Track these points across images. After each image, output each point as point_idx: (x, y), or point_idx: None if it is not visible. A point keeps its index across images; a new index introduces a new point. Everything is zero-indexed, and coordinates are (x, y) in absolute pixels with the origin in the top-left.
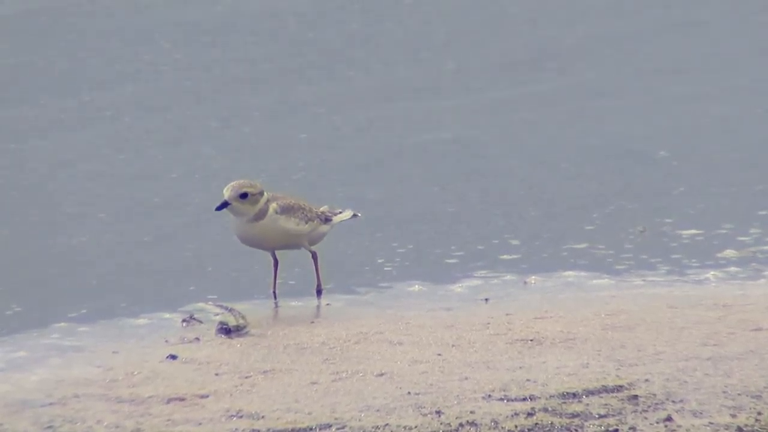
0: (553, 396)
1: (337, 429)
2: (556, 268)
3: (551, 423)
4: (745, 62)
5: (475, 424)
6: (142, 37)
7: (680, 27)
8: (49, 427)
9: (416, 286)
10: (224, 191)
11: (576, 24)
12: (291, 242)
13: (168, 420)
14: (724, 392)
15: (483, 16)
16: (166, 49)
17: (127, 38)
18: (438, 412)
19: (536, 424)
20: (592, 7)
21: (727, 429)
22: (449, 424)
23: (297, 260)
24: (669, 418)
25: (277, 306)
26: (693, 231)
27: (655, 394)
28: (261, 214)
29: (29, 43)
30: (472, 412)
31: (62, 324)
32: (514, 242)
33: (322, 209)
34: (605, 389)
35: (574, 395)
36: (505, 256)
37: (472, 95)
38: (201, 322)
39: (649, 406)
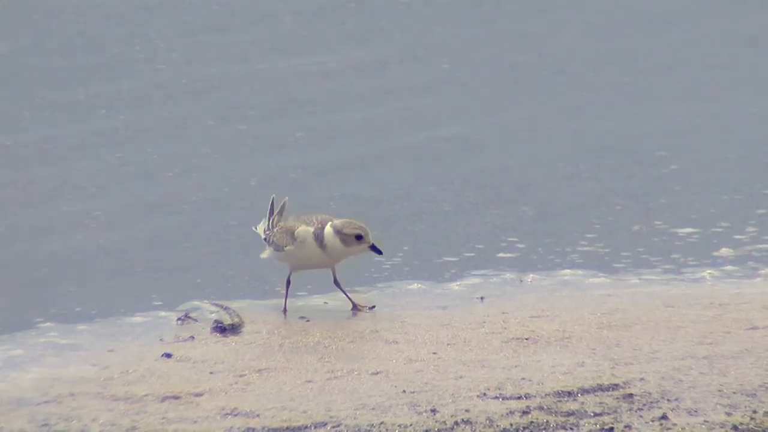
0: (549, 394)
1: (333, 427)
2: (552, 266)
3: (546, 421)
4: (741, 61)
5: (470, 423)
6: (138, 35)
7: (676, 25)
8: (45, 425)
9: (414, 284)
10: (367, 235)
11: (572, 22)
12: None
13: (163, 418)
14: (719, 391)
15: (479, 14)
16: (162, 47)
17: (122, 35)
18: (433, 411)
19: (531, 422)
20: (588, 5)
21: (722, 427)
22: (444, 422)
23: None
24: (664, 417)
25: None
26: (689, 230)
27: (650, 393)
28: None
29: (24, 38)
30: (467, 411)
31: (58, 322)
32: (511, 241)
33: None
34: (601, 388)
35: (570, 394)
36: (501, 255)
37: (469, 94)
38: (196, 320)
39: (644, 405)
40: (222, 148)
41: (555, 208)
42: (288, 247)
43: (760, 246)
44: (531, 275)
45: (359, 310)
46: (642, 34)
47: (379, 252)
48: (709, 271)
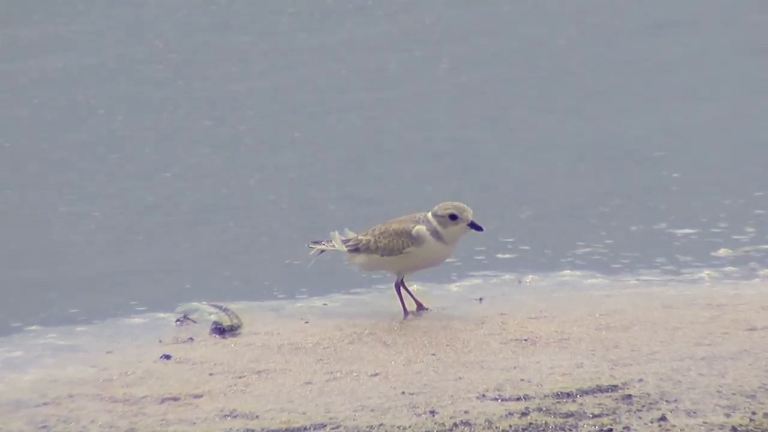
0: (548, 396)
1: (332, 429)
2: (551, 267)
3: (545, 423)
4: (739, 61)
5: (469, 424)
6: (136, 36)
7: (674, 25)
8: (43, 426)
9: (413, 285)
10: (469, 215)
11: (569, 22)
12: None
13: (162, 420)
14: (718, 392)
15: (476, 14)
16: (159, 48)
17: (120, 36)
18: (432, 412)
19: (530, 423)
20: (586, 5)
21: (721, 428)
22: (443, 424)
23: (292, 260)
24: (663, 418)
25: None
26: (687, 230)
27: (649, 394)
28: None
29: (23, 39)
30: (466, 412)
31: (57, 324)
32: (510, 242)
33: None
34: (599, 389)
35: (569, 395)
36: (500, 256)
37: (466, 94)
38: (195, 322)
39: (643, 406)
40: (220, 149)
41: (553, 209)
42: (408, 249)
43: (759, 247)
44: (530, 276)
45: (424, 309)
46: (641, 35)
47: (479, 229)
48: (707, 272)
